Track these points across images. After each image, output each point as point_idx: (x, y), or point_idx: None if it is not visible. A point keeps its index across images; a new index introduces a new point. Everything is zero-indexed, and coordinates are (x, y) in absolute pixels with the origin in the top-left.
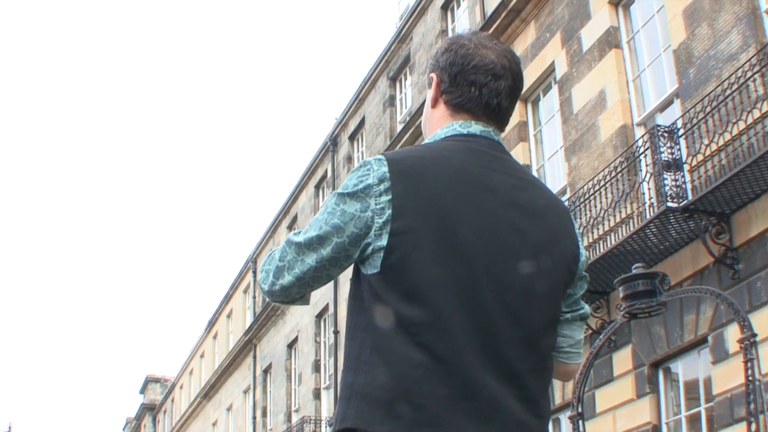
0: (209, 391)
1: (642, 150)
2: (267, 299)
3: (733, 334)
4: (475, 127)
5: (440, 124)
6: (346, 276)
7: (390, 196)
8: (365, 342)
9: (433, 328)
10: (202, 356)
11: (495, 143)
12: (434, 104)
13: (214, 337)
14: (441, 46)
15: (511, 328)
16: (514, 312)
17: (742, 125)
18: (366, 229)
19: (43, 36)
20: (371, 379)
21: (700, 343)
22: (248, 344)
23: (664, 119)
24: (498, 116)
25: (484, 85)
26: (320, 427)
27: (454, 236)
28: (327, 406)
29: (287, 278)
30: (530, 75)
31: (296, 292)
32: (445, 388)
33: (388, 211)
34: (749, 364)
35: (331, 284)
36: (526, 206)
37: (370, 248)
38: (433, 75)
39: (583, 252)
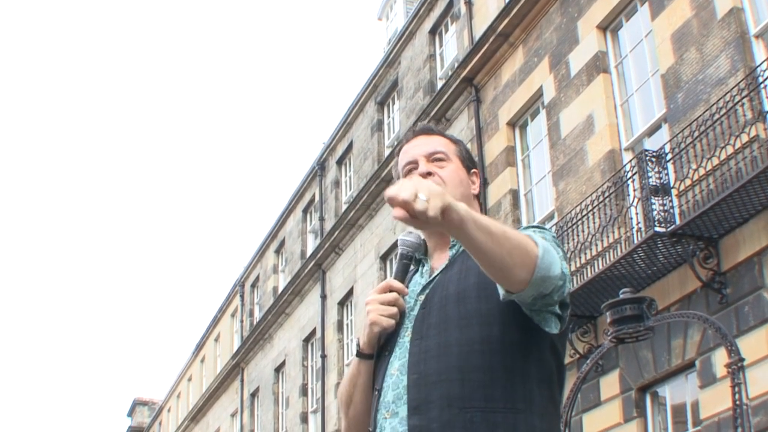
0: (197, 415)
1: (630, 175)
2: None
3: (720, 358)
4: None
5: None
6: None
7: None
8: (543, 392)
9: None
10: (189, 379)
11: None
12: (477, 197)
13: (202, 361)
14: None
15: None
16: None
17: (730, 150)
18: (565, 289)
19: (43, 36)
20: (552, 427)
21: (687, 367)
22: (236, 368)
23: (652, 144)
24: None
25: None
26: None
27: None
28: (314, 430)
29: (566, 289)
30: (518, 99)
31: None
32: None
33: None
34: (737, 389)
35: (318, 309)
36: None
37: (559, 304)
38: (477, 173)
39: None
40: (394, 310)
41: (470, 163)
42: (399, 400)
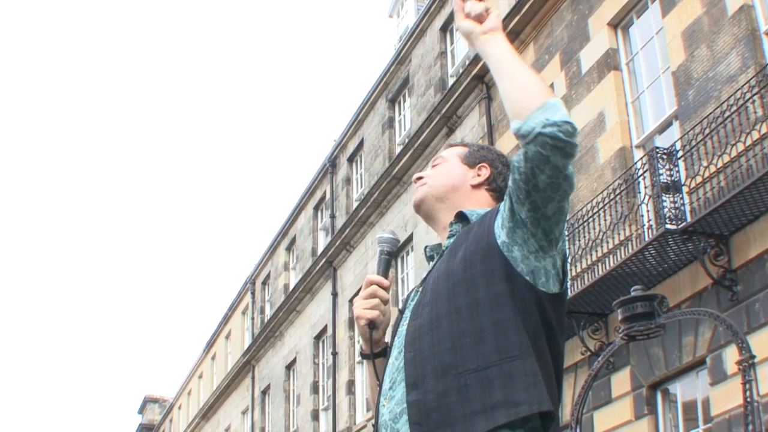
0: (207, 412)
1: (641, 172)
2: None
3: (731, 355)
4: None
5: (482, 205)
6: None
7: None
8: (525, 341)
9: (560, 368)
10: (200, 377)
11: None
12: (476, 186)
13: (213, 358)
14: (500, 156)
15: None
16: None
17: (741, 147)
18: (563, 236)
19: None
20: (548, 374)
21: (698, 364)
22: (246, 365)
23: (662, 141)
24: None
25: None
26: None
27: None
28: (325, 428)
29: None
30: None
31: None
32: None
33: (566, 254)
34: (748, 386)
35: (329, 306)
36: None
37: (557, 260)
38: (486, 166)
39: None
40: (375, 301)
41: (474, 159)
42: (395, 384)
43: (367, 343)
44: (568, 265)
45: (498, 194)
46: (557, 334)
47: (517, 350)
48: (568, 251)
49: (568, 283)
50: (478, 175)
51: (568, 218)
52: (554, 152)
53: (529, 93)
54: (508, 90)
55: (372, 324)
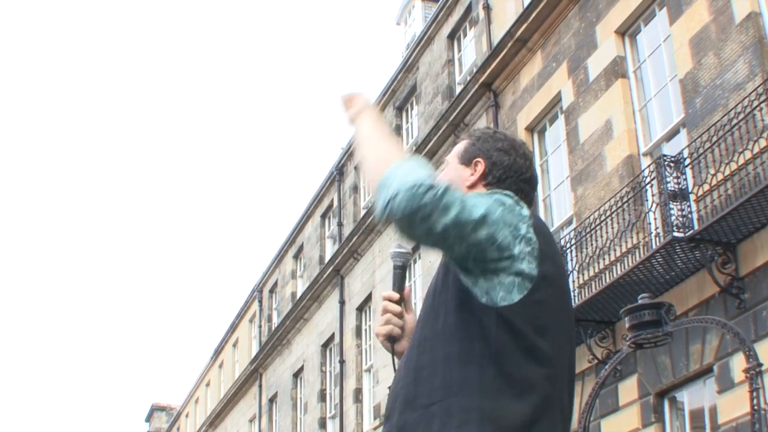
0: (215, 420)
1: (648, 180)
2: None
3: (738, 363)
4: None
5: None
6: (351, 306)
7: (535, 237)
8: (487, 369)
9: (558, 364)
10: (207, 385)
11: None
12: (471, 187)
13: (220, 366)
14: (498, 142)
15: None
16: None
17: (748, 155)
18: (510, 247)
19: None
20: (499, 406)
21: (705, 372)
22: (254, 373)
23: (670, 149)
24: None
25: (528, 193)
26: None
27: (563, 293)
28: None
29: (438, 219)
30: (536, 105)
31: (420, 227)
32: (560, 422)
33: (537, 248)
34: (755, 394)
35: (336, 314)
36: None
37: (512, 270)
38: (481, 161)
39: None
40: (387, 316)
41: (470, 156)
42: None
43: (393, 355)
44: (534, 253)
45: (497, 187)
46: (536, 339)
47: (458, 387)
48: (531, 246)
49: (552, 269)
50: (473, 174)
51: (574, 226)
52: (407, 227)
53: (372, 174)
54: (365, 172)
55: (391, 338)
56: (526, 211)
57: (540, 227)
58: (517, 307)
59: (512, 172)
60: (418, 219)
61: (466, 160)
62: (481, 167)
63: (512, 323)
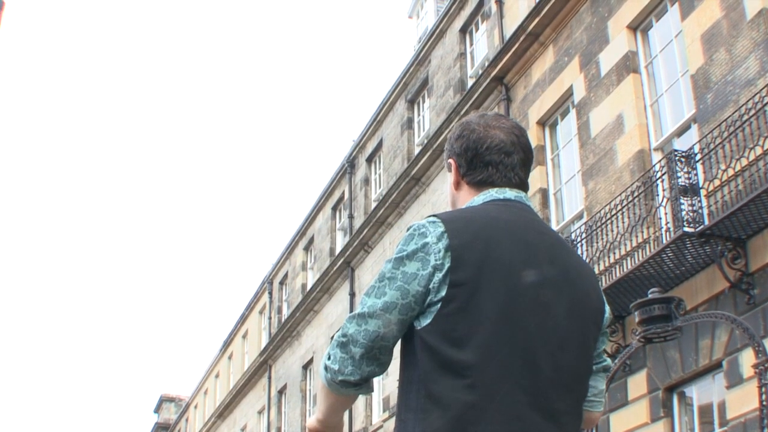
0: (223, 411)
1: (659, 175)
2: (335, 383)
3: (747, 359)
4: (510, 193)
5: (467, 200)
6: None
7: (449, 252)
8: (420, 392)
9: (485, 369)
10: (217, 376)
11: (528, 206)
12: (457, 187)
13: (230, 358)
14: (453, 133)
15: (553, 373)
16: (555, 359)
17: (759, 150)
18: (428, 286)
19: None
20: (427, 425)
21: (714, 367)
22: (263, 365)
23: (681, 144)
24: (519, 185)
25: (499, 162)
26: None
27: (506, 288)
28: None
29: (355, 350)
30: (548, 99)
31: (366, 370)
32: (498, 425)
33: (447, 264)
34: (763, 389)
35: (346, 306)
36: (562, 265)
37: (426, 302)
38: (452, 161)
39: (607, 308)
40: None
41: (447, 158)
42: None
43: None
44: (446, 279)
45: (471, 178)
46: (453, 352)
47: (404, 411)
48: (443, 271)
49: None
50: (453, 175)
51: (585, 220)
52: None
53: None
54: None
55: None
56: (438, 231)
57: (458, 230)
58: (431, 325)
59: (472, 152)
60: (348, 371)
61: (447, 166)
62: (453, 166)
63: (427, 342)
